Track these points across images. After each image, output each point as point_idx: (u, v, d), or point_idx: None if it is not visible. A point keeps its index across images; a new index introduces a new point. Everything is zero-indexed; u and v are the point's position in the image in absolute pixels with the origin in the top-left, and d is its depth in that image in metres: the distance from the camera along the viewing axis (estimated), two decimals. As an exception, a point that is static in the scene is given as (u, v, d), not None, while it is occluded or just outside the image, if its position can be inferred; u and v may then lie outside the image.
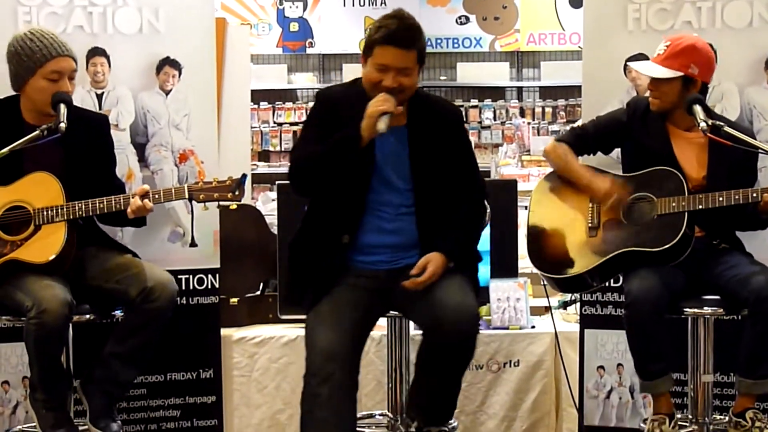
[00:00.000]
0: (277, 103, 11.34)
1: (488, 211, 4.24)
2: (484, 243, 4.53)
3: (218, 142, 5.04)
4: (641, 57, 4.67)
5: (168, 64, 4.80)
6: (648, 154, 4.18)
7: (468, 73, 11.35)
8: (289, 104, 11.38)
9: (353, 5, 11.37)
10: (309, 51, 11.46)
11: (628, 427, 4.83)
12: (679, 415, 4.17)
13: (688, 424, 4.23)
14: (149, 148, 4.83)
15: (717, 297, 4.06)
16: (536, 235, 4.35)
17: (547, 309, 5.20)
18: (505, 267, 5.04)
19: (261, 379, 5.17)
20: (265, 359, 5.17)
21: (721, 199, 3.97)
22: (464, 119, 4.19)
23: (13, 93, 4.17)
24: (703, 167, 4.16)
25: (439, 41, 11.26)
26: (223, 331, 5.05)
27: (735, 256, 4.13)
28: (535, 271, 4.43)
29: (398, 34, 3.77)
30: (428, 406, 3.85)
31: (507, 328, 5.10)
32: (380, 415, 4.40)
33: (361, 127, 3.70)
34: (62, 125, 3.91)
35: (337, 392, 3.59)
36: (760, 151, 4.00)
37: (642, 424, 4.36)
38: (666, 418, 4.06)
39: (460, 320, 3.66)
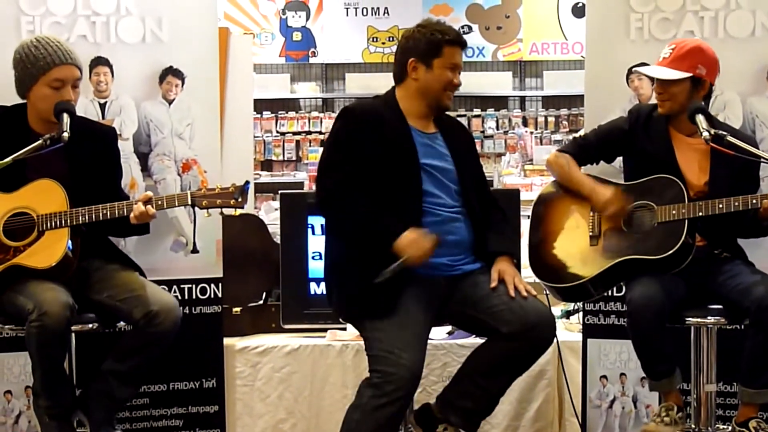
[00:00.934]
0: (279, 112, 11.35)
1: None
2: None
3: (221, 151, 5.04)
4: (644, 66, 4.68)
5: (171, 73, 4.81)
6: (650, 160, 4.19)
7: (471, 83, 11.30)
8: (292, 114, 11.38)
9: (356, 15, 11.38)
10: (312, 60, 11.47)
11: (630, 437, 4.83)
12: (686, 414, 4.17)
13: (691, 433, 4.24)
14: (152, 158, 4.84)
15: (719, 306, 4.06)
16: (538, 244, 4.36)
17: (550, 318, 5.18)
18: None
19: (264, 388, 5.16)
20: (267, 368, 5.16)
21: (720, 206, 3.97)
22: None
23: (21, 101, 4.17)
24: (705, 174, 4.16)
25: (441, 51, 11.24)
26: (226, 341, 5.04)
27: (737, 265, 4.12)
28: (537, 280, 4.42)
29: (459, 34, 4.00)
30: (474, 410, 3.94)
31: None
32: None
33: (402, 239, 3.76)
34: (65, 135, 3.90)
35: (405, 409, 3.77)
36: (762, 160, 4.01)
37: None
38: (675, 406, 4.07)
39: (550, 325, 3.88)
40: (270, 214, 7.19)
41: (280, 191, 5.34)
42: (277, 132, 11.31)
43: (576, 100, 10.83)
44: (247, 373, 5.15)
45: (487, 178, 4.36)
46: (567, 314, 5.45)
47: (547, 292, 4.65)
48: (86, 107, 4.65)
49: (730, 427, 4.14)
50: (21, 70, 4.09)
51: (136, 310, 3.99)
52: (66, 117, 3.96)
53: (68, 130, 3.92)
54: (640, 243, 4.09)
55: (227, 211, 4.24)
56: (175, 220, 4.78)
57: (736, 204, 3.95)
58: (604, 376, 4.86)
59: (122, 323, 4.22)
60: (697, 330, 4.18)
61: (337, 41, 11.40)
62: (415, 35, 3.96)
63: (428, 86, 3.95)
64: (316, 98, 11.53)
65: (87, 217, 4.01)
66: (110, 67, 4.75)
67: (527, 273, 4.49)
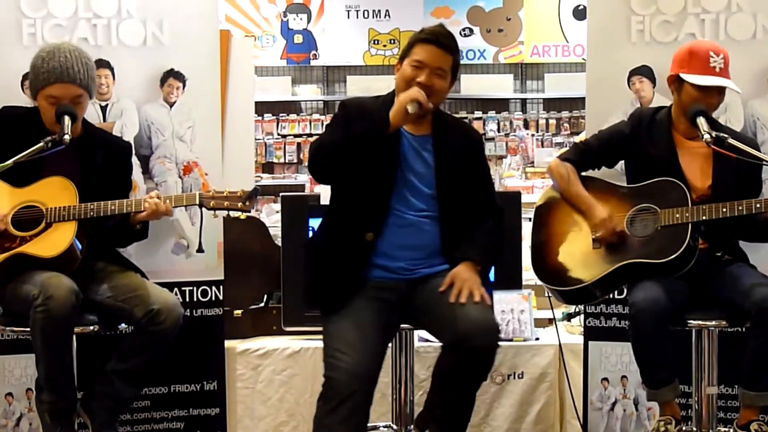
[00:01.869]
0: (281, 115, 11.35)
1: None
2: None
3: (222, 154, 5.04)
4: (645, 69, 4.70)
5: (172, 76, 4.81)
6: (653, 164, 4.18)
7: (472, 85, 11.36)
8: (293, 116, 11.39)
9: (357, 17, 11.39)
10: (313, 63, 11.48)
11: (632, 439, 4.83)
12: (683, 428, 4.16)
13: (692, 436, 4.23)
14: (153, 160, 4.84)
15: (721, 309, 4.06)
16: (540, 246, 4.36)
17: (551, 321, 5.19)
18: (509, 279, 5.01)
19: (265, 390, 5.16)
20: (269, 371, 5.16)
21: (725, 210, 3.96)
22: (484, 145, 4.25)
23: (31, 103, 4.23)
24: (708, 177, 4.16)
25: (443, 53, 11.24)
26: (227, 343, 5.05)
27: (739, 268, 4.12)
28: (539, 282, 4.42)
29: (439, 34, 3.92)
30: (447, 420, 3.85)
31: (511, 340, 5.10)
32: (384, 426, 4.38)
33: (389, 114, 3.76)
34: (66, 137, 3.92)
35: (357, 412, 3.61)
36: (763, 163, 4.01)
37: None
38: (673, 419, 4.06)
39: (485, 336, 3.67)
40: (271, 216, 7.18)
41: (281, 194, 5.32)
42: (278, 134, 11.31)
43: (577, 103, 10.85)
44: (248, 375, 5.16)
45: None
46: (568, 317, 5.45)
47: (549, 295, 4.65)
48: (87, 110, 4.63)
49: (731, 430, 4.13)
50: (30, 78, 4.16)
51: (137, 309, 4.01)
52: (67, 120, 3.99)
53: (69, 133, 3.95)
54: (642, 246, 4.08)
55: (234, 214, 4.27)
56: (176, 222, 4.78)
57: (740, 208, 3.95)
58: (606, 379, 4.86)
59: (123, 325, 4.22)
60: (698, 332, 4.18)
61: (339, 44, 11.41)
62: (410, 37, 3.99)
63: (397, 85, 3.92)
64: (317, 101, 11.53)
65: (95, 212, 4.03)
66: (111, 69, 4.76)
67: (529, 275, 4.50)
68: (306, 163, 10.72)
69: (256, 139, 10.37)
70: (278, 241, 5.32)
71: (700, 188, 4.15)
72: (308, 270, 3.99)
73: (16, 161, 3.91)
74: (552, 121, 11.25)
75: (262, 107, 10.85)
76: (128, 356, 4.07)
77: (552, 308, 5.07)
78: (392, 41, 11.22)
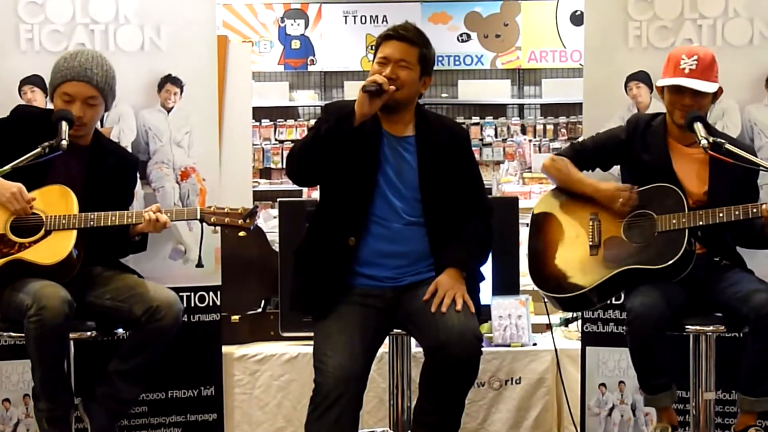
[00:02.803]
0: (278, 120, 11.36)
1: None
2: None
3: (220, 159, 5.05)
4: (642, 74, 4.70)
5: (169, 81, 4.81)
6: (648, 170, 4.19)
7: (469, 91, 11.38)
8: (290, 122, 11.40)
9: (354, 23, 11.40)
10: (310, 68, 11.49)
11: (629, 445, 4.83)
12: (681, 432, 4.18)
13: (690, 442, 4.23)
14: (151, 166, 4.84)
15: (719, 314, 4.06)
16: (537, 254, 4.35)
17: (549, 326, 5.18)
18: (507, 284, 5.03)
19: (262, 396, 5.16)
20: (266, 377, 5.16)
21: (721, 215, 3.96)
22: (470, 140, 4.21)
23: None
24: (704, 183, 4.16)
25: (440, 59, 11.26)
26: (225, 349, 5.04)
27: (736, 273, 4.12)
28: (537, 289, 4.42)
29: (399, 29, 3.91)
30: (434, 425, 3.85)
31: (508, 346, 5.10)
32: (381, 432, 4.40)
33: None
34: (63, 143, 3.93)
35: (345, 415, 3.61)
36: (760, 168, 4.01)
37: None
38: (670, 425, 4.06)
39: (463, 344, 3.67)
40: (269, 222, 7.19)
41: (278, 199, 5.34)
42: (276, 140, 11.32)
43: (574, 108, 10.86)
44: (245, 381, 5.16)
45: (486, 186, 4.31)
46: (566, 322, 5.45)
47: (546, 301, 4.65)
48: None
49: None
50: (50, 78, 4.19)
51: (136, 307, 4.02)
52: (64, 125, 3.99)
53: (66, 138, 3.95)
54: (640, 252, 4.08)
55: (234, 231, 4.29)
56: (174, 228, 4.78)
57: (737, 213, 3.94)
58: (603, 384, 4.86)
59: (121, 330, 4.22)
60: (696, 338, 4.18)
61: (336, 49, 11.42)
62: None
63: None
64: (315, 106, 11.53)
65: (95, 222, 4.03)
66: (109, 75, 4.75)
67: (527, 281, 4.50)
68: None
69: (253, 145, 10.38)
70: (276, 247, 5.33)
71: (696, 194, 4.15)
72: (296, 275, 4.00)
73: (14, 167, 3.91)
74: (549, 127, 11.26)
75: (259, 113, 10.85)
76: (129, 355, 4.07)
77: (549, 314, 5.06)
78: (390, 47, 11.21)
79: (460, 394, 3.79)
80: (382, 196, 3.87)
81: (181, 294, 4.74)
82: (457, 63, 11.37)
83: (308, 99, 11.50)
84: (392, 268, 3.89)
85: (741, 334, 4.15)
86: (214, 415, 4.91)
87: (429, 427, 3.84)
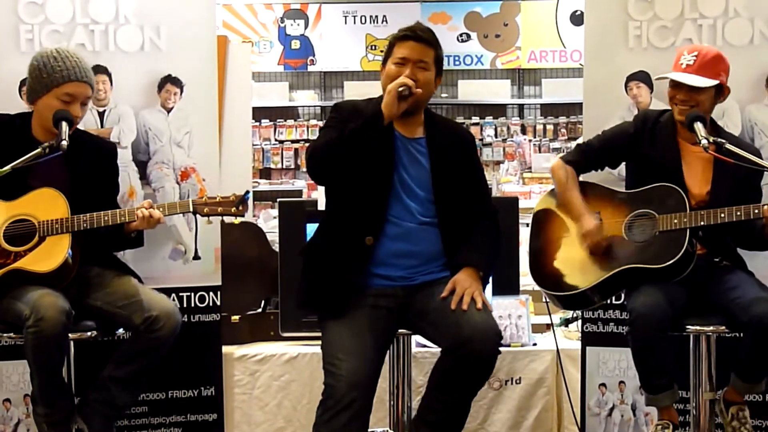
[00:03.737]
0: (278, 120, 11.37)
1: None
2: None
3: (220, 159, 5.04)
4: (642, 74, 4.70)
5: (169, 81, 4.81)
6: (654, 166, 4.18)
7: (469, 91, 11.38)
8: (290, 122, 11.41)
9: (354, 23, 11.40)
10: (310, 68, 11.49)
11: (630, 445, 4.83)
12: (681, 432, 4.18)
13: (690, 442, 4.23)
14: (151, 166, 4.84)
15: (719, 315, 4.05)
16: (538, 252, 4.36)
17: (549, 326, 5.19)
18: (507, 284, 5.03)
19: (262, 396, 5.16)
20: (266, 377, 5.16)
21: (722, 215, 3.96)
22: (476, 143, 4.24)
23: (25, 109, 4.22)
24: (708, 182, 4.15)
25: (440, 59, 11.26)
26: (225, 349, 5.04)
27: (737, 275, 4.11)
28: (537, 288, 4.42)
29: (417, 30, 3.98)
30: (439, 424, 3.85)
31: (509, 346, 5.09)
32: (382, 432, 4.40)
33: (381, 106, 3.80)
34: (64, 143, 3.91)
35: (356, 419, 3.62)
36: (762, 169, 4.00)
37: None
38: (671, 424, 4.06)
39: (486, 340, 3.70)
40: (268, 222, 7.20)
41: (278, 199, 5.34)
42: (276, 140, 11.33)
43: (574, 108, 10.86)
44: (245, 381, 5.15)
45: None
46: (566, 322, 5.44)
47: (547, 300, 4.65)
48: (85, 116, 4.63)
49: (719, 395, 4.15)
50: (35, 78, 4.11)
51: (135, 316, 4.00)
52: (65, 125, 3.97)
53: (67, 139, 3.93)
54: (641, 252, 4.08)
55: (228, 219, 4.27)
56: (174, 228, 4.78)
57: (738, 213, 3.94)
58: (603, 384, 4.86)
59: (121, 331, 4.22)
60: (696, 338, 4.18)
61: (336, 49, 11.43)
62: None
63: (383, 86, 3.93)
64: (314, 106, 11.54)
65: (88, 224, 4.02)
66: (109, 75, 4.76)
67: (527, 281, 4.49)
68: (304, 169, 10.81)
69: (253, 145, 10.39)
70: (276, 247, 5.33)
71: (698, 194, 4.14)
72: (306, 274, 3.99)
73: (14, 167, 3.90)
74: (549, 127, 11.26)
75: (259, 113, 10.86)
76: (125, 363, 4.05)
77: (550, 313, 5.06)
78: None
79: (472, 393, 3.82)
80: (397, 197, 3.89)
81: (181, 294, 4.76)
82: (457, 63, 11.37)
83: (308, 99, 11.51)
84: (405, 267, 3.89)
85: (741, 335, 4.14)
86: (214, 415, 4.91)
87: (433, 426, 3.84)
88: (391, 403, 4.24)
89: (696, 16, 4.73)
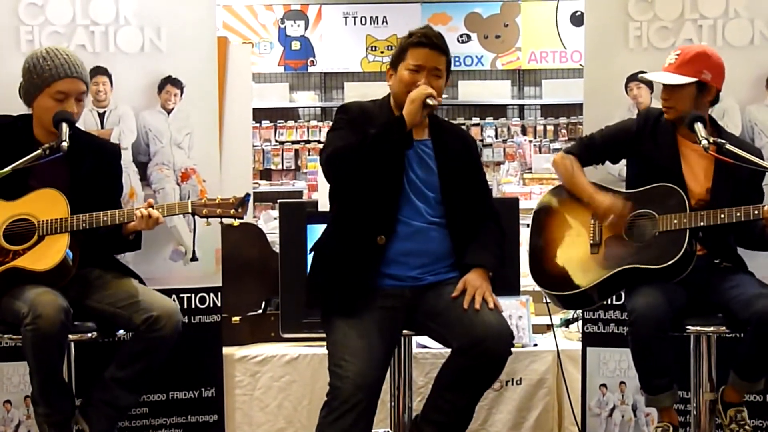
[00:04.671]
0: (278, 121, 11.37)
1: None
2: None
3: (220, 160, 5.05)
4: (646, 73, 4.69)
5: (170, 82, 4.81)
6: (654, 166, 4.18)
7: (469, 92, 11.38)
8: (290, 123, 11.41)
9: (354, 24, 11.40)
10: (311, 69, 11.50)
11: (630, 445, 4.83)
12: (682, 432, 4.18)
13: (691, 442, 4.23)
14: (151, 167, 4.84)
15: (719, 315, 4.05)
16: (538, 251, 4.36)
17: (549, 327, 5.19)
18: (507, 285, 5.02)
19: (263, 397, 5.16)
20: (267, 378, 5.16)
21: (722, 216, 3.96)
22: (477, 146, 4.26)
23: (26, 110, 4.20)
24: (708, 182, 4.15)
25: (440, 59, 11.25)
26: (225, 350, 5.04)
27: (737, 275, 4.11)
28: (537, 288, 4.42)
29: (431, 37, 3.94)
30: (446, 424, 3.86)
31: (509, 346, 5.09)
32: (383, 433, 4.40)
33: (403, 113, 3.81)
34: (64, 144, 3.91)
35: (360, 421, 3.64)
36: (762, 169, 4.00)
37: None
38: (671, 425, 4.06)
39: (500, 340, 3.72)
40: (269, 223, 7.20)
41: (279, 200, 5.34)
42: (276, 141, 11.33)
43: (575, 109, 10.87)
44: (246, 382, 5.15)
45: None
46: (566, 323, 5.45)
47: (547, 301, 4.65)
48: (85, 117, 4.63)
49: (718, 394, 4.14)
50: (27, 80, 4.12)
51: (136, 316, 3.99)
52: (65, 126, 3.97)
53: (67, 140, 3.93)
54: (640, 252, 4.08)
55: (227, 221, 4.26)
56: (174, 229, 4.78)
57: (738, 214, 3.94)
58: (604, 385, 4.86)
59: (122, 332, 4.21)
60: (696, 338, 4.18)
61: (336, 50, 11.43)
62: (399, 42, 4.02)
63: (396, 91, 3.96)
64: (315, 107, 11.54)
65: (87, 224, 4.01)
66: (109, 76, 4.76)
67: (527, 282, 4.49)
68: (304, 170, 10.83)
69: (253, 146, 10.38)
70: (276, 248, 5.33)
71: (698, 193, 4.14)
72: (314, 274, 4.00)
73: (15, 168, 3.90)
74: (550, 127, 11.27)
75: (259, 114, 10.87)
76: (127, 363, 4.05)
77: (550, 314, 5.06)
78: (390, 48, 11.22)
79: (480, 393, 3.85)
80: (407, 198, 3.90)
81: (181, 295, 4.76)
82: (458, 64, 11.36)
83: (308, 100, 11.51)
84: (415, 267, 3.90)
85: (742, 335, 4.14)
86: (215, 417, 4.91)
87: (440, 426, 3.86)
88: (392, 404, 4.24)
89: (696, 17, 4.73)
